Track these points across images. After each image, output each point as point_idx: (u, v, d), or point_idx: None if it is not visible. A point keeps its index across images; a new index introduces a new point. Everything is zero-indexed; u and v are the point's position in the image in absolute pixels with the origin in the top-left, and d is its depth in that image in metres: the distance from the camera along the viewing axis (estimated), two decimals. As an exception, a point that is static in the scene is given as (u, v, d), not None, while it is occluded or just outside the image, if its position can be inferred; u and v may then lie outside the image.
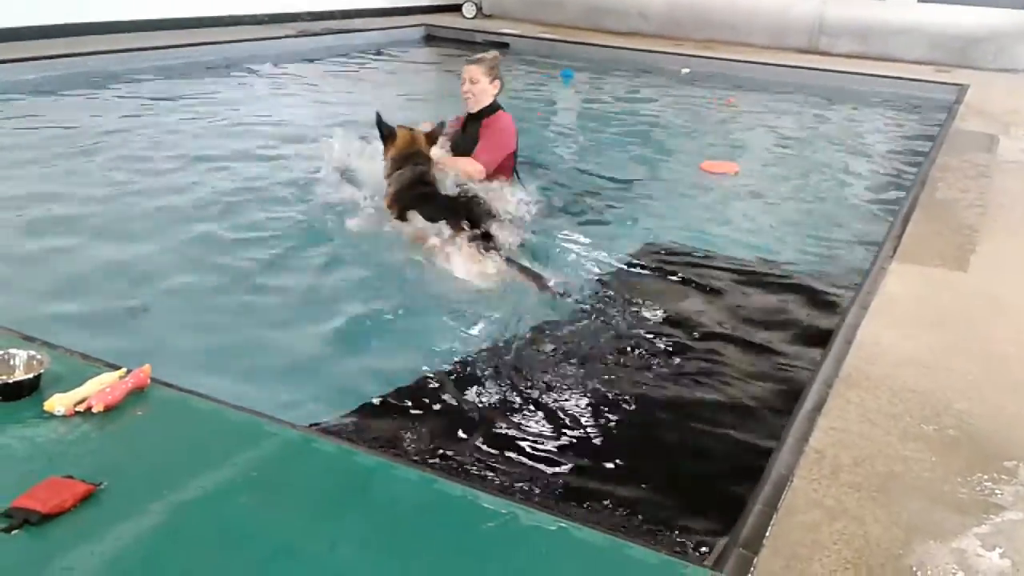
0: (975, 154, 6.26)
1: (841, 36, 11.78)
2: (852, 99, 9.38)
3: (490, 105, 4.71)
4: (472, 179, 4.45)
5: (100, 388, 2.30)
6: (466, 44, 11.95)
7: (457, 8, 13.85)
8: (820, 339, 3.37)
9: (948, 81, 9.88)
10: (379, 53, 10.72)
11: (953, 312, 3.38)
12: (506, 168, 4.71)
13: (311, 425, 2.51)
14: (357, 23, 11.74)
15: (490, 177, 4.55)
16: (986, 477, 2.28)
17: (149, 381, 2.38)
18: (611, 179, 5.65)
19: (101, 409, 2.23)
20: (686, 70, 10.36)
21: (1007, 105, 8.58)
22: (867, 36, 11.64)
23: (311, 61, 9.65)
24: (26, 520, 1.79)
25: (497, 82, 4.70)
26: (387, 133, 4.25)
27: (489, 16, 13.82)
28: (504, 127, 4.69)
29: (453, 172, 4.46)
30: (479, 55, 4.82)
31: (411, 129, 4.32)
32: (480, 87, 4.67)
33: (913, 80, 9.98)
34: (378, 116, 4.30)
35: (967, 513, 2.12)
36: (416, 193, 4.11)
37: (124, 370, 2.40)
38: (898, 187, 5.83)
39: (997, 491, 2.22)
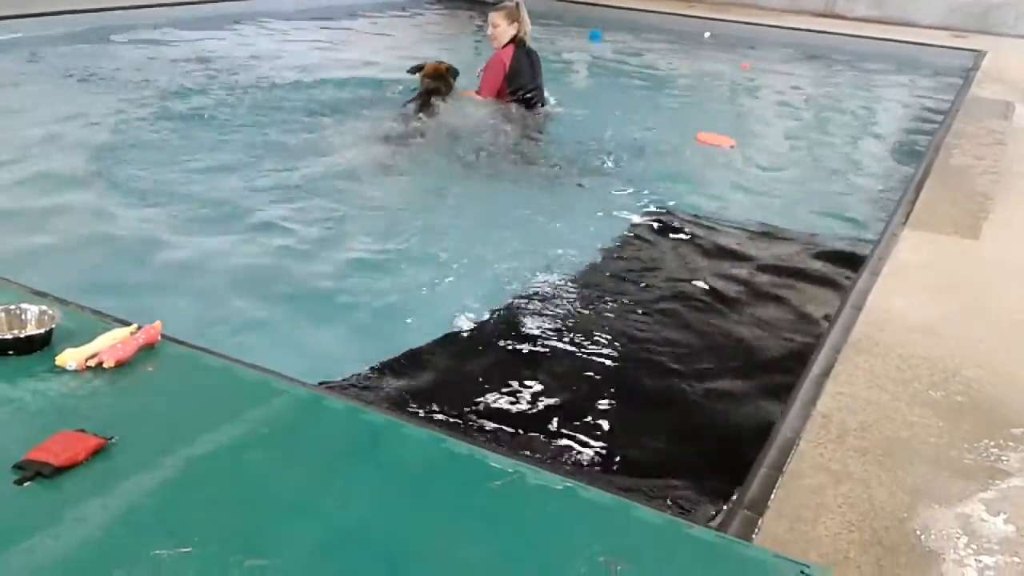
0: (991, 121, 6.19)
1: (858, -1, 11.61)
2: (868, 64, 9.25)
3: (506, 44, 5.66)
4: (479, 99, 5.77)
5: (111, 344, 2.31)
6: (477, 3, 11.82)
7: (469, -33, 13.66)
8: (830, 304, 3.36)
9: (965, 47, 9.74)
10: (389, 11, 10.63)
11: (965, 279, 3.36)
12: (502, 91, 5.69)
13: (321, 383, 2.52)
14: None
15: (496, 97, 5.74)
16: (993, 444, 2.28)
17: (160, 337, 2.39)
18: (619, 142, 5.60)
19: (112, 364, 2.24)
20: (708, 34, 10.19)
21: (1025, 72, 8.47)
22: (884, 0, 11.47)
23: (321, 19, 9.58)
24: (39, 472, 1.82)
25: (516, 24, 5.64)
26: (420, 66, 5.90)
27: (501, -24, 13.63)
28: (491, 64, 5.74)
29: (467, 98, 5.79)
30: (501, 4, 5.75)
31: (437, 62, 5.91)
32: (499, 30, 5.67)
33: (930, 45, 9.85)
34: (412, 67, 5.95)
35: (972, 479, 2.13)
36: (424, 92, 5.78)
37: (135, 326, 2.41)
38: (912, 153, 5.77)
39: (1004, 457, 2.23)
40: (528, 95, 5.71)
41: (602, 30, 9.92)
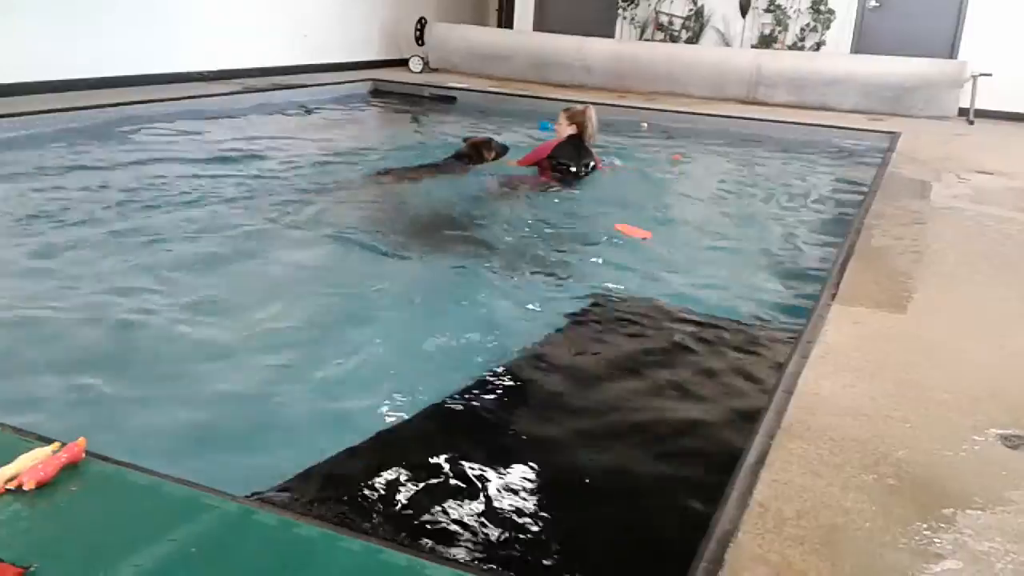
0: (909, 200, 6.46)
1: (778, 87, 12.14)
2: (791, 148, 9.63)
3: (563, 136, 6.92)
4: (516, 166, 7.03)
5: (32, 464, 2.23)
6: (412, 98, 12.09)
7: (404, 63, 14.02)
8: (761, 390, 3.42)
9: (881, 129, 10.21)
10: (326, 108, 10.78)
11: (890, 359, 3.45)
12: (543, 166, 6.84)
13: (252, 495, 2.46)
14: (304, 79, 11.80)
15: (531, 166, 6.96)
16: (925, 526, 2.31)
17: (84, 455, 2.32)
18: (554, 231, 5.70)
19: (32, 486, 2.16)
20: (645, 124, 10.33)
21: (938, 152, 8.89)
22: (802, 86, 12.01)
23: (257, 116, 9.67)
24: (-51, 610, 1.73)
25: (574, 126, 6.87)
26: (468, 138, 7.27)
27: (436, 70, 13.99)
28: (539, 147, 7.07)
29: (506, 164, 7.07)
30: (569, 106, 7.15)
31: (488, 139, 7.19)
32: (560, 127, 6.98)
33: (849, 129, 10.31)
34: (465, 137, 7.37)
35: (908, 563, 2.15)
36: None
37: (58, 444, 2.33)
38: (835, 234, 5.97)
39: (936, 540, 2.26)
40: (563, 166, 6.78)
41: (551, 121, 10.12)
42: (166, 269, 4.49)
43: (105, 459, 2.35)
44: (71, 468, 2.27)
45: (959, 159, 8.52)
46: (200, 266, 4.58)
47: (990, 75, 11.34)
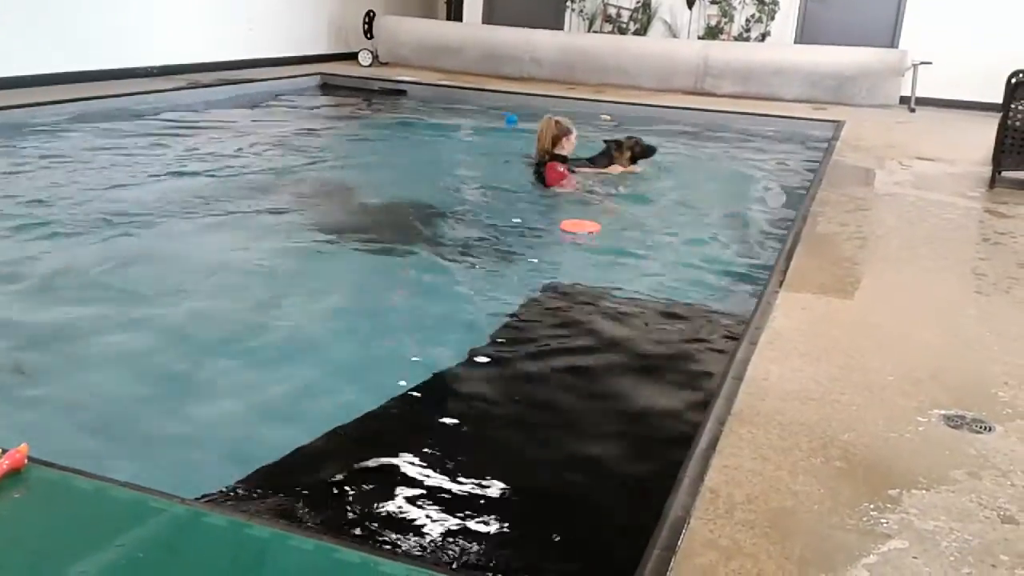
0: (852, 187, 6.58)
1: (724, 77, 12.27)
2: (739, 137, 9.73)
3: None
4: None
5: (-28, 473, 2.18)
6: (362, 92, 11.99)
7: (353, 57, 13.89)
8: (711, 376, 3.46)
9: (826, 118, 10.37)
10: (274, 103, 10.64)
11: (836, 344, 3.51)
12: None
13: (201, 497, 2.42)
14: (252, 73, 11.63)
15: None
16: (872, 507, 2.36)
17: (26, 461, 2.27)
18: (499, 226, 5.70)
19: (-27, 495, 2.12)
20: (606, 116, 10.20)
21: (880, 139, 9.06)
22: (748, 77, 12.15)
23: (202, 111, 9.51)
24: None
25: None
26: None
27: (385, 63, 13.89)
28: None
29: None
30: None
31: (619, 140, 7.24)
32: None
33: (794, 118, 10.45)
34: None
35: (856, 544, 2.19)
36: None
37: (-1, 451, 2.28)
38: (782, 222, 6.05)
39: (883, 520, 2.31)
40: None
41: (516, 114, 10.07)
42: (116, 264, 4.43)
43: (49, 465, 2.30)
44: (13, 475, 2.22)
45: (901, 146, 8.70)
46: (145, 260, 4.53)
47: (930, 63, 11.58)
